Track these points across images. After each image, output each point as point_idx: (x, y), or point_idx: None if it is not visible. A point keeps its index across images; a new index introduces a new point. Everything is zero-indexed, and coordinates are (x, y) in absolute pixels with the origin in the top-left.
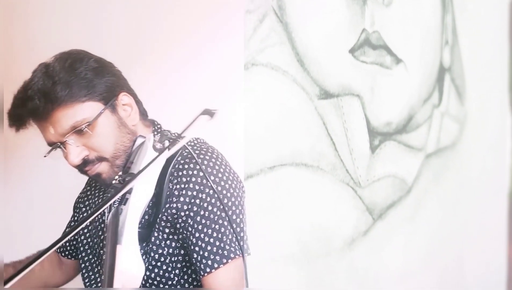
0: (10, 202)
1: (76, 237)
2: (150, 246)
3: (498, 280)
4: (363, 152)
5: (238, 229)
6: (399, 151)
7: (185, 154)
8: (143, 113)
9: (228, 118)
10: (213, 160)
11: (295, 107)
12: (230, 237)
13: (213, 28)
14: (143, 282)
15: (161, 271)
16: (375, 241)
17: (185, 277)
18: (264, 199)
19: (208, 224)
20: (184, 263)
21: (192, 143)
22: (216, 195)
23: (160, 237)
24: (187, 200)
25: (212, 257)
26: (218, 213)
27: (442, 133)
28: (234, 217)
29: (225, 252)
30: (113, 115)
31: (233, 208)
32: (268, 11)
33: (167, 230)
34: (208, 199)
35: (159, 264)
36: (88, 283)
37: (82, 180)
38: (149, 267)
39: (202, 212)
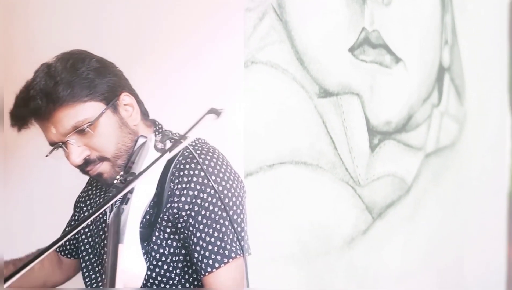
0: (10, 202)
1: (76, 236)
2: (151, 245)
3: (498, 280)
4: (363, 151)
5: (239, 229)
6: (398, 150)
7: (186, 154)
8: (144, 113)
9: (228, 116)
10: (214, 160)
11: (295, 106)
12: (231, 236)
13: (213, 27)
14: (144, 282)
15: (162, 271)
16: (375, 240)
17: (186, 276)
18: (263, 197)
19: (209, 223)
20: (185, 263)
21: (193, 143)
22: (217, 195)
23: (161, 236)
24: (188, 200)
25: (213, 256)
26: (219, 212)
27: (442, 132)
28: (235, 217)
29: (226, 251)
30: (114, 115)
31: (234, 207)
32: (268, 9)
33: (168, 230)
34: (209, 199)
35: (160, 263)
36: (88, 283)
37: (82, 180)
38: (150, 266)
39: (203, 212)
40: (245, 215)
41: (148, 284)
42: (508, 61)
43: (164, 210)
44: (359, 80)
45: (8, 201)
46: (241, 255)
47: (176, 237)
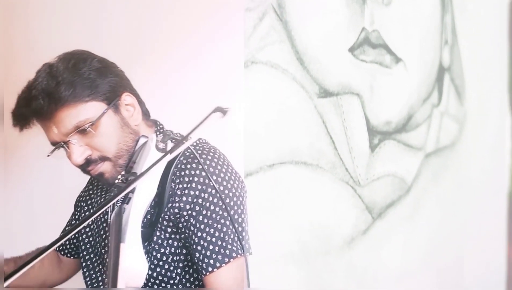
0: (10, 202)
1: (77, 235)
2: (152, 245)
3: (498, 280)
4: (363, 151)
5: (240, 229)
6: (398, 150)
7: (187, 154)
8: (145, 113)
9: (228, 116)
10: (215, 160)
11: (295, 106)
12: (232, 236)
13: (213, 27)
14: (145, 282)
15: (163, 270)
16: (375, 240)
17: (187, 276)
18: (263, 197)
19: (210, 223)
20: (186, 263)
21: (195, 143)
22: (218, 195)
23: (162, 236)
24: (189, 199)
25: (214, 256)
26: (220, 212)
27: (442, 132)
28: (236, 216)
29: (227, 251)
30: (116, 115)
31: (235, 207)
32: (268, 9)
33: (169, 230)
34: (211, 198)
35: (161, 263)
36: (89, 282)
37: (82, 180)
38: (151, 266)
39: (204, 212)
40: (246, 215)
41: (149, 283)
42: (508, 61)
43: (165, 210)
44: (359, 80)
45: (8, 201)
46: (242, 254)
47: (177, 237)
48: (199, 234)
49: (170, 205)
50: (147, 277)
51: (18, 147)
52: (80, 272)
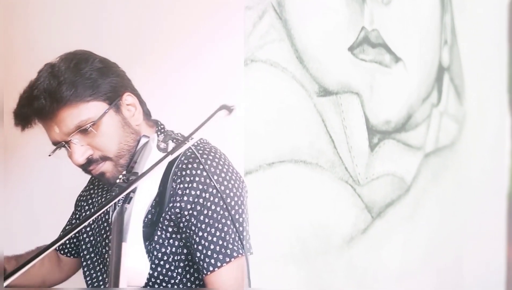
0: (11, 202)
1: (77, 235)
2: (153, 245)
3: (498, 280)
4: (362, 150)
5: (241, 228)
6: (398, 150)
7: (188, 154)
8: (146, 113)
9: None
10: (216, 160)
11: (294, 104)
12: (233, 236)
13: (213, 26)
14: (146, 281)
15: (164, 270)
16: (374, 239)
17: (188, 276)
18: (262, 196)
19: (211, 223)
20: (186, 262)
21: (196, 143)
22: (219, 195)
23: (163, 236)
24: (190, 199)
25: (215, 256)
26: (221, 212)
27: (441, 132)
28: (237, 216)
29: (228, 251)
30: (117, 115)
31: (236, 207)
32: (268, 7)
33: (170, 229)
34: (211, 198)
35: (162, 263)
36: (89, 281)
37: (82, 180)
38: (152, 266)
39: (205, 211)
40: (246, 215)
41: (150, 283)
42: (507, 61)
43: (166, 209)
44: (358, 79)
45: (8, 201)
46: (243, 254)
47: (178, 236)
48: (200, 233)
49: (171, 204)
50: (148, 277)
51: (18, 147)
52: (80, 272)
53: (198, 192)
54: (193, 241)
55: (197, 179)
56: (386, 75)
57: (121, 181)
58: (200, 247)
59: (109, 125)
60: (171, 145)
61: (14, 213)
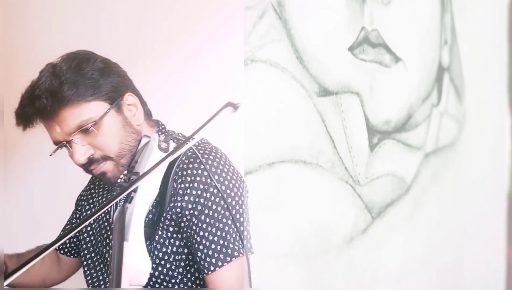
0: (11, 201)
1: (78, 234)
2: (154, 244)
3: (497, 280)
4: (362, 150)
5: (242, 228)
6: (398, 150)
7: (189, 153)
8: (147, 114)
9: (222, 116)
10: (217, 159)
11: (294, 104)
12: (234, 235)
13: (213, 26)
14: (147, 281)
15: (165, 270)
16: (374, 239)
17: (188, 275)
18: (262, 195)
19: (212, 223)
20: (187, 262)
21: (196, 143)
22: (220, 194)
23: (164, 235)
24: (191, 199)
25: (216, 255)
26: (222, 212)
27: (441, 132)
28: (237, 216)
29: (229, 250)
30: (118, 115)
31: (237, 207)
32: (268, 7)
33: (171, 229)
34: (213, 198)
35: (162, 262)
36: (90, 281)
37: (82, 179)
38: (153, 265)
39: (206, 211)
40: (247, 214)
41: (151, 282)
42: (507, 61)
43: (167, 209)
44: (358, 79)
45: (8, 201)
46: (243, 254)
47: (179, 236)
48: (201, 233)
49: (172, 204)
50: (149, 276)
51: (18, 147)
52: (80, 271)
53: (199, 192)
54: (194, 241)
55: (198, 179)
56: (386, 75)
57: (122, 180)
58: (201, 247)
59: (110, 125)
60: (172, 145)
61: (14, 213)
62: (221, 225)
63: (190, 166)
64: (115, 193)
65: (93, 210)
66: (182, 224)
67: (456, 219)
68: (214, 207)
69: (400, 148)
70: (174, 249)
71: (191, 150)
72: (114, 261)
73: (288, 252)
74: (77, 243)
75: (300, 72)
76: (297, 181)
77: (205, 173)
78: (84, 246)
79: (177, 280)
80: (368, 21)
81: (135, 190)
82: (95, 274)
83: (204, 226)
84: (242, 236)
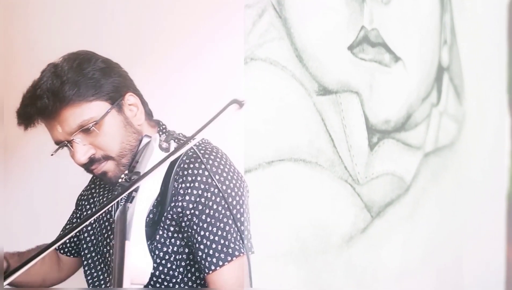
0: (11, 201)
1: (78, 234)
2: (155, 244)
3: (497, 281)
4: (362, 149)
5: (242, 228)
6: (397, 149)
7: (190, 153)
8: (148, 114)
9: (228, 113)
10: (218, 159)
11: (294, 103)
12: (234, 235)
13: (213, 26)
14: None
15: (166, 269)
16: (374, 239)
17: (189, 275)
18: (261, 194)
19: (213, 222)
20: (188, 261)
21: (197, 143)
22: (221, 194)
23: (165, 235)
24: (192, 199)
25: (217, 255)
26: (223, 211)
27: (441, 132)
28: (238, 215)
29: (230, 250)
30: (119, 115)
31: (238, 207)
32: (267, 6)
33: (172, 229)
34: (213, 198)
35: (163, 262)
36: (90, 281)
37: (83, 179)
38: (154, 265)
39: (207, 211)
40: (248, 214)
41: (152, 282)
42: (507, 61)
43: (168, 209)
44: (358, 79)
45: (8, 201)
46: (244, 253)
47: (180, 235)
48: (202, 233)
49: (173, 204)
50: (150, 276)
51: (18, 147)
52: (81, 272)
53: (200, 192)
54: (194, 240)
55: (199, 178)
56: (386, 74)
57: (123, 180)
58: (202, 246)
59: (111, 125)
60: (173, 145)
61: (14, 213)
62: (221, 224)
63: (191, 166)
64: (116, 192)
65: (93, 210)
66: (183, 224)
67: (456, 219)
68: (215, 206)
69: (400, 147)
70: (175, 248)
71: (192, 150)
72: (115, 260)
73: (287, 251)
74: (77, 242)
75: (299, 70)
76: (297, 180)
77: (206, 173)
78: (84, 246)
79: (178, 280)
80: (367, 21)
81: (136, 190)
82: (95, 274)
83: (205, 225)
84: (242, 235)
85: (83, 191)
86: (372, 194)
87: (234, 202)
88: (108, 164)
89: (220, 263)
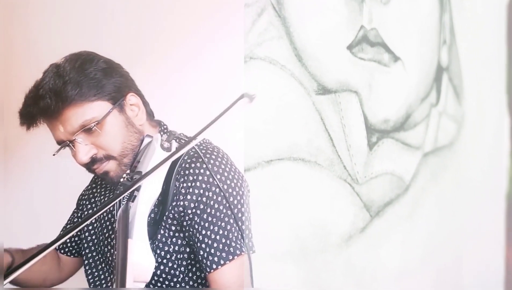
0: (11, 201)
1: (79, 234)
2: (156, 243)
3: (496, 280)
4: (361, 148)
5: (243, 227)
6: (396, 149)
7: (191, 153)
8: (150, 114)
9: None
10: (219, 159)
11: (293, 102)
12: (235, 234)
13: (213, 25)
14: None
15: (167, 268)
16: (373, 238)
17: (190, 274)
18: (260, 193)
19: (214, 221)
20: (189, 261)
21: (198, 143)
22: (222, 194)
23: (166, 234)
24: (193, 198)
25: (218, 254)
26: (224, 211)
27: (440, 132)
28: (239, 215)
29: (231, 249)
30: (121, 115)
31: (239, 206)
32: (266, 5)
33: (173, 228)
34: (214, 197)
35: (164, 261)
36: (91, 280)
37: (83, 179)
38: (155, 264)
39: (208, 210)
40: (248, 213)
41: (153, 281)
42: (506, 62)
43: (170, 208)
44: (357, 78)
45: (8, 201)
46: (245, 252)
47: (181, 235)
48: (203, 232)
49: (174, 203)
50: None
51: (18, 147)
52: (81, 272)
53: (201, 191)
54: (196, 240)
55: (200, 178)
56: (385, 74)
57: (125, 180)
58: (203, 245)
59: (113, 125)
60: (174, 144)
61: (14, 213)
62: (223, 224)
63: (193, 165)
64: (118, 191)
65: (94, 209)
66: (184, 223)
67: (455, 219)
68: (216, 206)
69: (399, 147)
70: (176, 248)
71: (193, 150)
72: (118, 258)
73: (286, 251)
74: (78, 242)
75: (299, 70)
76: (296, 179)
77: (207, 173)
78: (85, 245)
79: (179, 279)
80: (367, 20)
81: (138, 189)
82: (96, 274)
83: (206, 225)
84: (243, 235)
85: (84, 190)
86: (371, 194)
87: (235, 202)
88: (109, 163)
89: (222, 262)
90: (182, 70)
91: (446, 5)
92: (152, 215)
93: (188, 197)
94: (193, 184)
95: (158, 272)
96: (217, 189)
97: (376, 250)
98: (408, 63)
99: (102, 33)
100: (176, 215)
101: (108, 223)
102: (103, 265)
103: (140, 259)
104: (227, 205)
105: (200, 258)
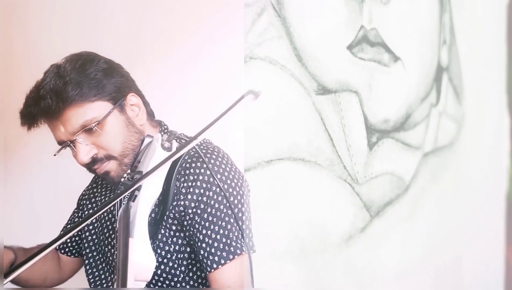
0: (11, 201)
1: (80, 233)
2: (157, 243)
3: (496, 280)
4: (361, 148)
5: (244, 227)
6: (396, 149)
7: (192, 153)
8: (150, 114)
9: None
10: (220, 159)
11: (293, 102)
12: (236, 233)
13: (213, 25)
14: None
15: (167, 268)
16: (373, 238)
17: (191, 274)
18: (260, 193)
19: (214, 221)
20: (190, 260)
21: (199, 143)
22: (222, 193)
23: (167, 234)
24: (194, 197)
25: (218, 253)
26: (225, 210)
27: (440, 132)
28: (240, 214)
29: (232, 248)
30: (121, 115)
31: (239, 205)
32: (267, 5)
33: (174, 227)
34: (215, 197)
35: (165, 261)
36: (92, 280)
37: (83, 179)
38: (156, 263)
39: (209, 210)
40: (249, 213)
41: (153, 281)
42: (506, 62)
43: (170, 208)
44: (357, 78)
45: (8, 201)
46: (245, 251)
47: (182, 234)
48: (204, 231)
49: (175, 203)
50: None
51: (18, 147)
52: (81, 272)
53: (201, 191)
54: (196, 239)
55: (200, 178)
56: (385, 74)
57: (126, 179)
58: (203, 245)
59: (113, 125)
60: (175, 144)
61: (14, 213)
62: (223, 223)
63: (193, 165)
64: (118, 191)
65: (95, 209)
66: (185, 223)
67: (455, 219)
68: (216, 205)
69: (399, 147)
70: (177, 247)
71: (193, 150)
72: (119, 257)
73: (286, 250)
74: (78, 242)
75: (299, 70)
76: (296, 179)
77: (208, 172)
78: (86, 245)
79: (179, 279)
80: (367, 20)
81: (138, 189)
82: (97, 273)
83: (207, 224)
84: (244, 234)
85: (84, 190)
86: (371, 194)
87: (236, 201)
88: (110, 163)
89: (222, 261)
90: (182, 70)
91: (446, 5)
92: (153, 215)
93: (189, 196)
94: (194, 183)
95: (159, 271)
96: (218, 189)
97: (376, 250)
98: (408, 63)
99: (102, 33)
100: (176, 214)
101: (108, 223)
102: (103, 265)
103: (141, 258)
104: (228, 204)
105: (201, 258)
